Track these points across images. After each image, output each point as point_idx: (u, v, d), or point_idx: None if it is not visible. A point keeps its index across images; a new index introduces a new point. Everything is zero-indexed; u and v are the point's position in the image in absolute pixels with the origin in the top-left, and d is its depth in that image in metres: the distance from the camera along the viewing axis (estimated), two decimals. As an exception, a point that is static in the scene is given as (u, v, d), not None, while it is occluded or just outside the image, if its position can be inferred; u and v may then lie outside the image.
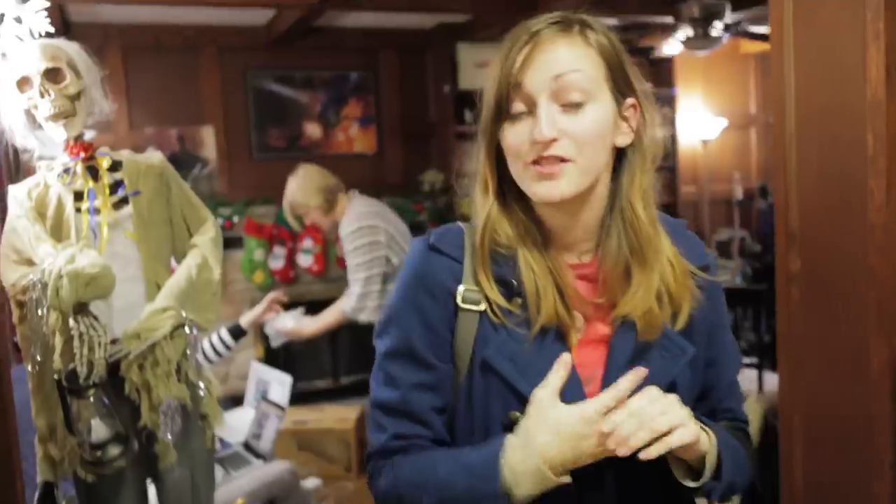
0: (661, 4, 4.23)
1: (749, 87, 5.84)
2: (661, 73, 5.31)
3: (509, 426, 0.83)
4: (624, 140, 0.86)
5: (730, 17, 4.05)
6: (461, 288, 0.87)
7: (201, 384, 1.51)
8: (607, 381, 0.83)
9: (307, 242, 4.33)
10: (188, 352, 1.47)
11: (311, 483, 2.90)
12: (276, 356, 3.89)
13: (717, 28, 4.00)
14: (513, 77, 0.81)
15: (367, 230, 2.53)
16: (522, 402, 0.82)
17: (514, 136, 0.82)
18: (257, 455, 2.53)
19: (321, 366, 4.48)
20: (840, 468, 1.31)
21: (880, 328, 1.23)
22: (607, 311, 0.88)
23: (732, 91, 5.73)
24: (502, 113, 0.83)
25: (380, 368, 0.90)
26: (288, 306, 2.89)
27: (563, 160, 0.80)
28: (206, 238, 1.60)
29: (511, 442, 0.81)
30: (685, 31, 4.09)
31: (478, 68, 4.63)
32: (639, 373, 0.79)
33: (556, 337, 0.86)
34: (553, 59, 0.81)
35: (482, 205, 0.89)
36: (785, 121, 1.38)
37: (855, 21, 1.35)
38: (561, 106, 0.80)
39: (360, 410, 3.60)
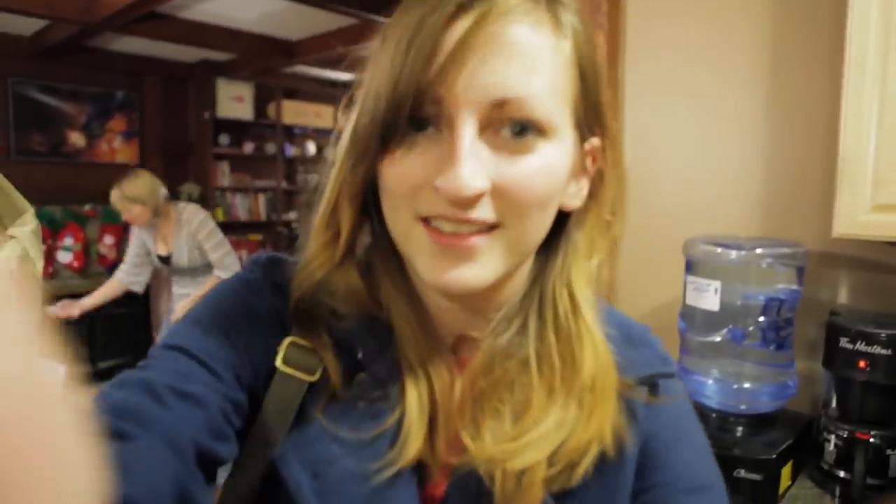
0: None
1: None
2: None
3: None
4: (574, 201, 0.52)
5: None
6: (287, 341, 0.52)
7: None
8: None
9: (67, 240, 4.60)
10: None
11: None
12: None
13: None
14: (428, 71, 0.43)
15: (209, 217, 3.11)
16: None
17: (404, 171, 0.46)
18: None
19: (76, 352, 4.63)
20: None
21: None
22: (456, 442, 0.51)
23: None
24: (393, 127, 0.45)
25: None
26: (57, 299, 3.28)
27: (489, 227, 0.46)
28: (27, 230, 1.42)
29: None
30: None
31: (233, 101, 5.35)
32: None
33: (407, 473, 0.49)
34: (505, 53, 0.43)
35: (318, 254, 0.52)
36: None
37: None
38: (496, 137, 0.45)
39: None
